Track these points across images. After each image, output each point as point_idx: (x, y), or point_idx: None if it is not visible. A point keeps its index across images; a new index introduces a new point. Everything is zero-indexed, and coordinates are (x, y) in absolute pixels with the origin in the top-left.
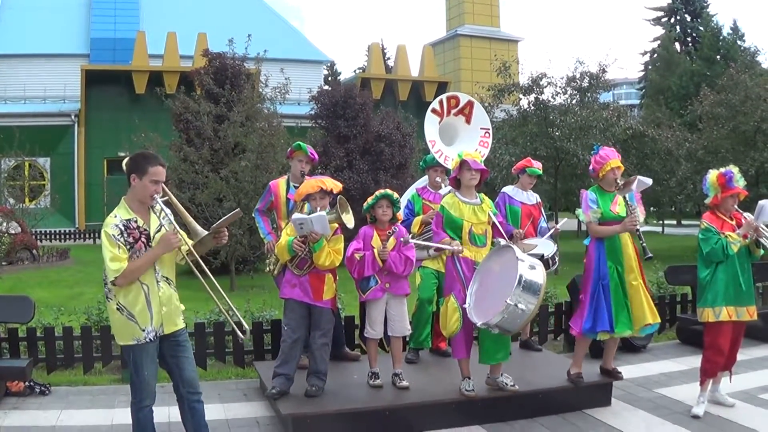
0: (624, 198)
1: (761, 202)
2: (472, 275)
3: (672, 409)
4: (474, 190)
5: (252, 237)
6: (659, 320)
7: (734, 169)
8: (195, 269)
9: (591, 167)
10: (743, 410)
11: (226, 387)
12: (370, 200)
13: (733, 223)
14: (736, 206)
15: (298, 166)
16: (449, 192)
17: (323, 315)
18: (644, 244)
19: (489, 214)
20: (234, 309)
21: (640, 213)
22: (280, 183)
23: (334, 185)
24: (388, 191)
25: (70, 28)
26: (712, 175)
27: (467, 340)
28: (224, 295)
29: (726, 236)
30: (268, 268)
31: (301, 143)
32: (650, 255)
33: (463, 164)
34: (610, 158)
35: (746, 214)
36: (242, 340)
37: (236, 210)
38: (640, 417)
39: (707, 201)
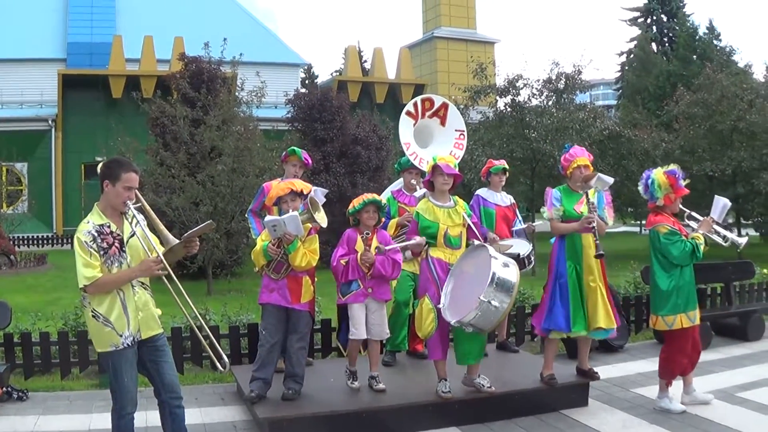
0: (587, 197)
1: (718, 198)
2: (447, 276)
3: (649, 408)
4: (447, 194)
5: (229, 241)
6: (614, 325)
7: (677, 168)
8: (166, 281)
9: (560, 165)
10: (720, 408)
11: (203, 391)
12: (357, 204)
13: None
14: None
15: (291, 171)
16: (423, 196)
17: (301, 318)
18: (597, 242)
19: (463, 216)
20: (200, 319)
21: (609, 216)
22: (274, 185)
23: (304, 186)
24: (376, 197)
25: (47, 33)
26: (659, 175)
27: (443, 341)
28: (194, 308)
29: (693, 237)
30: (257, 268)
31: (295, 148)
32: (602, 252)
33: (435, 169)
34: (577, 156)
35: (693, 213)
36: (221, 371)
37: (209, 222)
38: (617, 417)
39: (658, 202)
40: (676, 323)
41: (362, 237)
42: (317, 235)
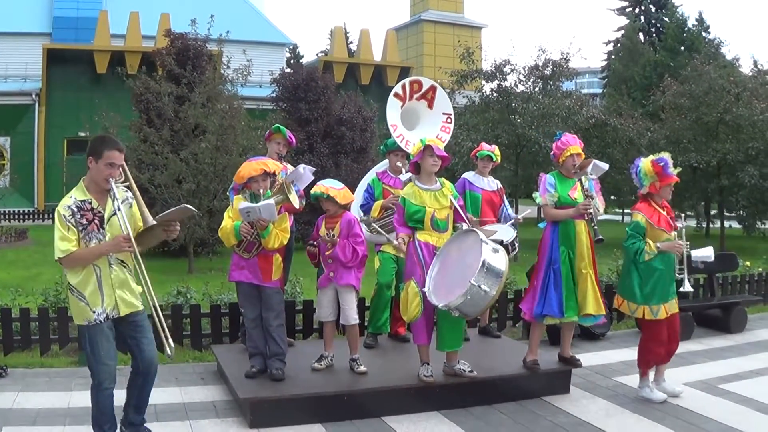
0: (581, 183)
1: (594, 162)
2: (432, 259)
3: (631, 397)
4: (434, 176)
5: (211, 219)
6: (603, 312)
7: (667, 156)
8: (134, 259)
9: (552, 152)
10: (702, 400)
11: (183, 370)
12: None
13: (664, 213)
14: (670, 192)
15: (275, 148)
16: (410, 180)
17: (273, 296)
18: (595, 227)
19: (450, 199)
20: (157, 309)
21: (600, 203)
22: (245, 164)
23: (276, 167)
24: (317, 191)
25: (33, 7)
26: (646, 163)
27: (428, 325)
28: (152, 294)
29: (647, 243)
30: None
31: (280, 126)
32: (601, 237)
33: (426, 150)
34: (571, 144)
35: (680, 224)
36: (168, 356)
37: (183, 206)
38: (599, 405)
39: (643, 191)
40: (638, 312)
41: (328, 226)
42: (287, 214)
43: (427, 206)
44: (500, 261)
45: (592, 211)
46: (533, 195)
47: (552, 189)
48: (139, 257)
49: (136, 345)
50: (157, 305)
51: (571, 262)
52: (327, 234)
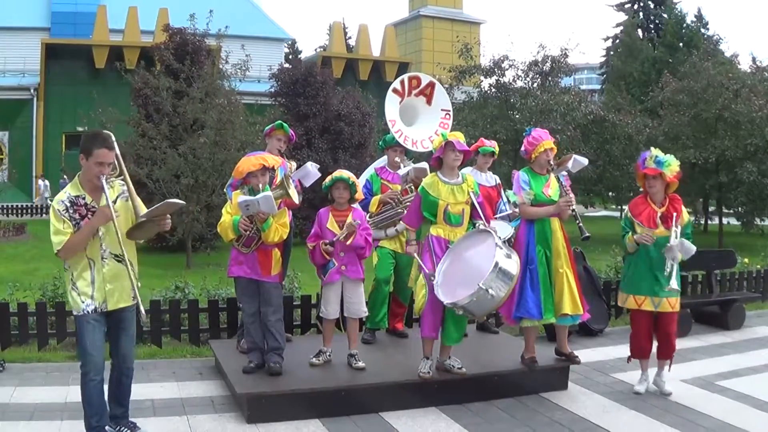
0: (558, 180)
1: (574, 157)
2: (444, 254)
3: (628, 393)
4: (457, 170)
5: (209, 214)
6: (581, 311)
7: (653, 151)
8: (121, 248)
9: (523, 149)
10: (700, 396)
11: (181, 365)
12: (327, 181)
13: (660, 209)
14: (653, 187)
15: (276, 145)
16: (407, 174)
17: (272, 291)
18: (581, 224)
19: (470, 194)
20: (138, 294)
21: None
22: (243, 159)
23: (275, 162)
24: (344, 175)
25: (31, 1)
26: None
27: (434, 319)
28: (135, 279)
29: (629, 234)
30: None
31: (283, 123)
32: (587, 234)
33: (447, 145)
34: (543, 140)
35: (677, 232)
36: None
37: (168, 200)
38: (596, 401)
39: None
40: (622, 301)
41: (338, 220)
42: (286, 209)
43: (441, 199)
44: (512, 266)
45: (575, 207)
46: (507, 194)
47: (527, 186)
48: (119, 230)
49: (114, 339)
50: (133, 264)
51: (548, 262)
52: (352, 221)
